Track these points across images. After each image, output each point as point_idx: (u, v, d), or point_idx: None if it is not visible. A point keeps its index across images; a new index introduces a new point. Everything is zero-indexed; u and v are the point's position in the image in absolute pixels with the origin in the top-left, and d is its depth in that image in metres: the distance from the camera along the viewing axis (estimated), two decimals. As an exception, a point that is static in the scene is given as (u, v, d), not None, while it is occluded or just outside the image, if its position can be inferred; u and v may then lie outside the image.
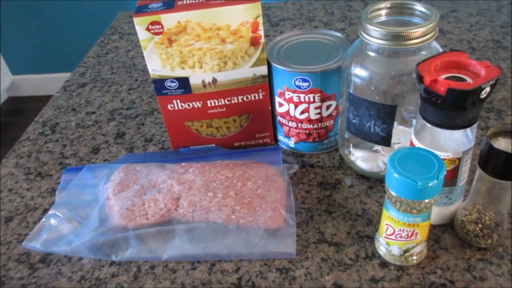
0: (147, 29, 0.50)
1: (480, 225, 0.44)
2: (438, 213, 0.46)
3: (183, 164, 0.55)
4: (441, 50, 0.46)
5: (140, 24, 0.50)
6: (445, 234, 0.47)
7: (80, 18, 2.03)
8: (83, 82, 0.80)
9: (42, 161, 0.63)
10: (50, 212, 0.52)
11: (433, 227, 0.47)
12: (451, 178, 0.43)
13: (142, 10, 0.50)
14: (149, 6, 0.51)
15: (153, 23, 0.50)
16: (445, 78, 0.39)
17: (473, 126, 0.40)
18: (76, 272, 0.47)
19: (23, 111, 2.16)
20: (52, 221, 0.51)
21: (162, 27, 0.50)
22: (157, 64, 0.53)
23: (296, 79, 0.52)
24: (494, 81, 0.37)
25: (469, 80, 0.39)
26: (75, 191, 0.55)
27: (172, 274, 0.46)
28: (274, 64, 0.53)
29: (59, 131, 0.68)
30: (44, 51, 2.16)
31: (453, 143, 0.41)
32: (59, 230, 0.50)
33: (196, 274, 0.46)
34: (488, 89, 0.37)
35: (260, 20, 0.50)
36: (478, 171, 0.42)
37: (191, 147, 0.60)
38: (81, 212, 0.52)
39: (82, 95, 0.76)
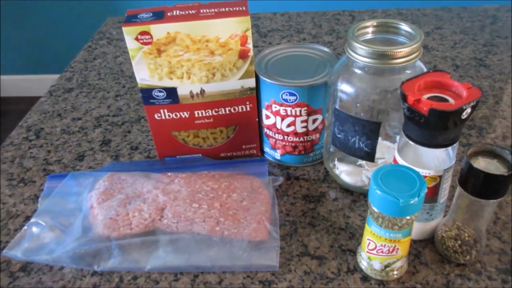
0: (136, 39, 0.50)
1: (459, 241, 0.45)
2: (419, 228, 0.47)
3: (169, 174, 0.55)
4: (425, 69, 0.47)
5: (129, 33, 0.50)
6: (425, 249, 0.48)
7: (68, 20, 2.02)
8: (70, 87, 0.79)
9: (26, 167, 0.62)
10: (32, 220, 0.51)
11: (413, 242, 0.48)
12: (432, 195, 0.44)
13: (131, 19, 0.50)
14: (138, 16, 0.51)
15: (142, 33, 0.50)
16: (428, 98, 0.40)
17: (454, 145, 0.41)
18: (57, 282, 0.46)
19: (7, 113, 2.12)
20: (34, 229, 0.50)
21: (151, 37, 0.50)
22: (145, 73, 0.53)
23: (284, 93, 0.52)
24: (475, 103, 0.38)
25: (451, 100, 0.40)
26: (59, 198, 0.54)
27: (154, 285, 0.46)
28: (262, 77, 0.53)
29: (43, 136, 0.68)
30: (29, 52, 2.13)
31: (435, 160, 0.42)
32: (41, 238, 0.49)
33: (179, 286, 0.46)
34: (469, 110, 0.38)
35: (249, 33, 0.51)
36: (458, 189, 0.43)
37: (177, 157, 0.60)
38: (64, 220, 0.51)
39: (68, 101, 0.76)
